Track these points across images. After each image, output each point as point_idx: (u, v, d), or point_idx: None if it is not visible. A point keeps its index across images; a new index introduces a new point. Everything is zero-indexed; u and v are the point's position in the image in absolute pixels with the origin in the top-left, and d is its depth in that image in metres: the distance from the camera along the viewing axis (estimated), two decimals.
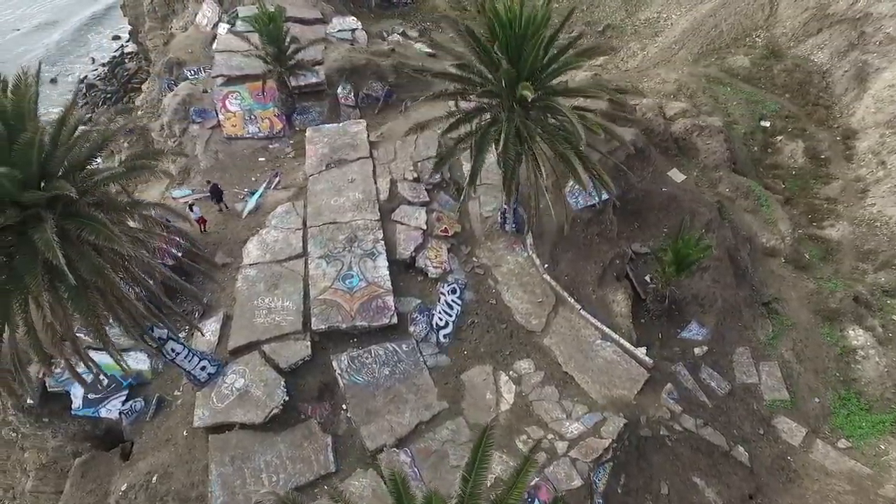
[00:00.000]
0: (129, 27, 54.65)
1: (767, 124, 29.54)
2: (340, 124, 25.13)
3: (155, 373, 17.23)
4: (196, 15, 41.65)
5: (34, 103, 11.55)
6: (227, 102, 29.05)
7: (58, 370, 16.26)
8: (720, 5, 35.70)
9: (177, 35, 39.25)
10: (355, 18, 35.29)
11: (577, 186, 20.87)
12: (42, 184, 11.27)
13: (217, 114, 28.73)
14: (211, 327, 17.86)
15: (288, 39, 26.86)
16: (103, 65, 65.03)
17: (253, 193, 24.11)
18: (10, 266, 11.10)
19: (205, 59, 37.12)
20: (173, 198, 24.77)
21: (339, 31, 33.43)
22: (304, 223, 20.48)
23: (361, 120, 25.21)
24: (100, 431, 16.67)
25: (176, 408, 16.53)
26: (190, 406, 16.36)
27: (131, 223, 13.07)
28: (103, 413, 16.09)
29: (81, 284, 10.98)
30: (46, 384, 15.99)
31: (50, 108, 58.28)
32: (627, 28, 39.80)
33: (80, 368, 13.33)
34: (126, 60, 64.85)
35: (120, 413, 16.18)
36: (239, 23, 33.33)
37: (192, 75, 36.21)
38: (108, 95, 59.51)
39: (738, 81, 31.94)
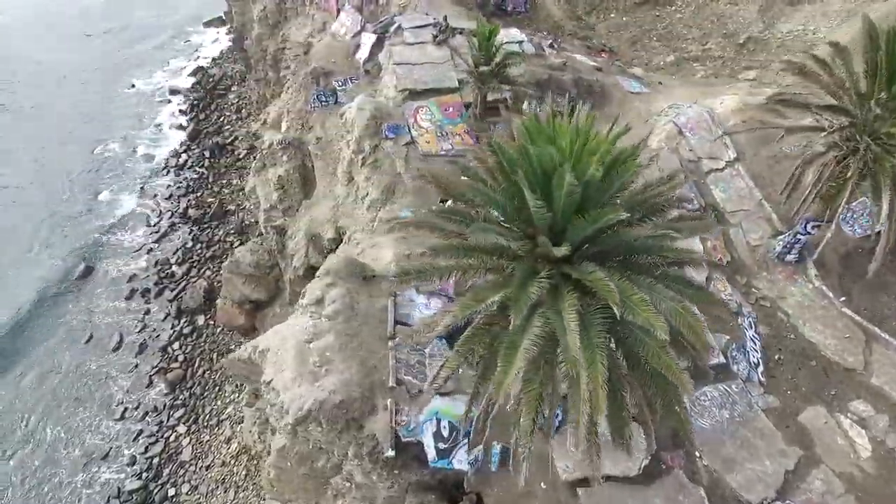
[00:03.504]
0: (234, 34, 53.49)
1: None
2: None
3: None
4: (326, 23, 40.87)
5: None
6: (418, 117, 28.10)
7: (405, 418, 15.39)
8: (881, 18, 34.96)
9: (315, 44, 38.21)
10: (518, 30, 34.40)
11: (850, 213, 20.27)
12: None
13: (409, 129, 27.77)
14: None
15: (502, 55, 25.94)
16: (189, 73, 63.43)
17: None
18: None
19: (349, 68, 36.28)
20: (402, 219, 23.79)
21: (507, 42, 32.35)
22: None
23: None
24: (434, 481, 15.74)
25: (522, 457, 15.59)
26: (538, 456, 15.44)
27: None
28: (455, 464, 15.16)
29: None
30: (399, 434, 15.03)
31: (130, 113, 57.40)
32: (771, 41, 39.01)
33: None
34: (207, 66, 63.87)
35: (468, 463, 15.26)
36: (407, 34, 32.27)
37: (340, 86, 35.40)
38: (195, 102, 58.43)
39: None
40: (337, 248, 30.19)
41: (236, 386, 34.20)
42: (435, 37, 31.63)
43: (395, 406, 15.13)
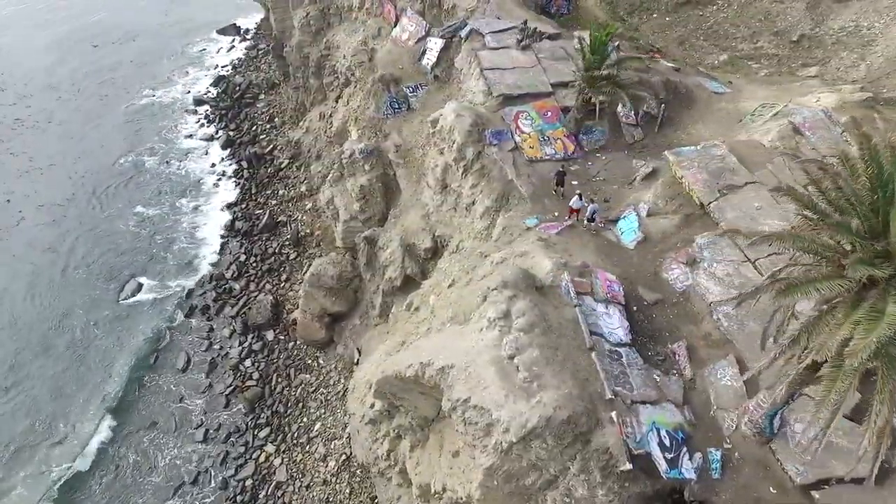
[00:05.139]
0: (272, 41, 52.28)
1: None
2: (699, 147, 24.21)
3: (690, 423, 16.20)
4: (381, 28, 40.30)
5: None
6: (519, 123, 27.87)
7: (629, 430, 15.16)
8: None
9: (378, 50, 37.63)
10: None
11: None
12: None
13: (512, 135, 27.49)
14: (728, 372, 16.96)
15: (616, 58, 25.88)
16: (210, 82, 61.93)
17: (615, 221, 23.14)
18: None
19: (417, 74, 35.88)
20: (527, 227, 23.50)
21: None
22: (746, 255, 19.60)
23: (719, 142, 24.33)
24: (652, 491, 15.50)
25: (739, 462, 15.53)
26: (757, 461, 15.43)
27: None
28: (685, 474, 14.98)
29: None
30: (630, 447, 14.77)
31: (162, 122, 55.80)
32: (826, 38, 39.75)
33: None
34: (228, 75, 62.54)
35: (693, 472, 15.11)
36: (489, 38, 31.96)
37: (411, 92, 35.08)
38: (223, 111, 57.18)
39: None
40: (433, 257, 29.83)
41: (321, 402, 33.56)
42: (519, 41, 31.40)
43: (620, 418, 14.91)
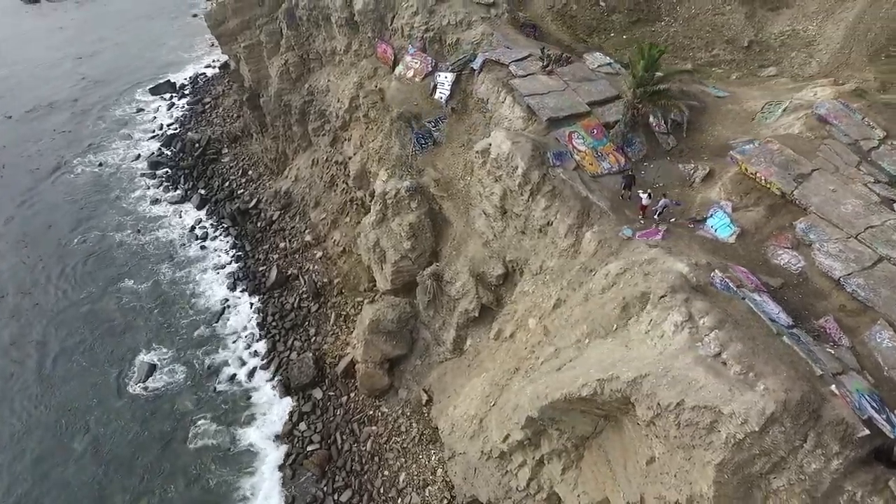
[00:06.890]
0: (246, 92, 50.10)
1: None
2: (756, 144, 26.50)
3: (875, 386, 17.68)
4: (377, 68, 40.40)
5: None
6: (574, 142, 29.09)
7: (848, 399, 16.28)
8: (863, 13, 41.96)
9: (386, 89, 37.65)
10: (601, 53, 36.68)
11: None
12: None
13: (571, 155, 28.62)
14: (885, 335, 18.70)
15: (666, 72, 27.82)
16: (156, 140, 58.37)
17: (705, 220, 24.70)
18: None
19: (432, 108, 36.38)
20: (626, 237, 24.44)
21: (600, 66, 34.60)
22: (848, 232, 21.78)
23: (774, 139, 26.75)
24: (864, 454, 16.70)
25: None
26: None
27: None
28: None
29: None
30: (857, 414, 15.87)
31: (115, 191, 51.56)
32: (772, 42, 44.99)
33: None
34: (180, 133, 59.36)
35: None
36: (513, 67, 33.05)
37: (433, 126, 35.62)
38: (186, 171, 54.30)
39: None
40: (504, 283, 30.02)
41: (398, 451, 32.20)
42: (544, 67, 32.84)
43: (839, 389, 16.06)
